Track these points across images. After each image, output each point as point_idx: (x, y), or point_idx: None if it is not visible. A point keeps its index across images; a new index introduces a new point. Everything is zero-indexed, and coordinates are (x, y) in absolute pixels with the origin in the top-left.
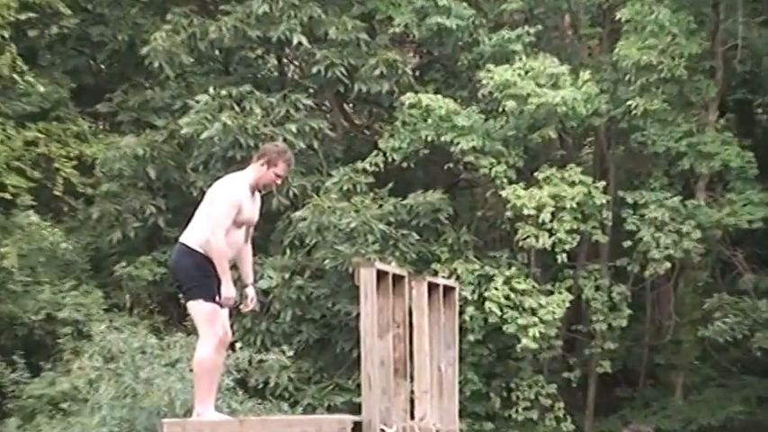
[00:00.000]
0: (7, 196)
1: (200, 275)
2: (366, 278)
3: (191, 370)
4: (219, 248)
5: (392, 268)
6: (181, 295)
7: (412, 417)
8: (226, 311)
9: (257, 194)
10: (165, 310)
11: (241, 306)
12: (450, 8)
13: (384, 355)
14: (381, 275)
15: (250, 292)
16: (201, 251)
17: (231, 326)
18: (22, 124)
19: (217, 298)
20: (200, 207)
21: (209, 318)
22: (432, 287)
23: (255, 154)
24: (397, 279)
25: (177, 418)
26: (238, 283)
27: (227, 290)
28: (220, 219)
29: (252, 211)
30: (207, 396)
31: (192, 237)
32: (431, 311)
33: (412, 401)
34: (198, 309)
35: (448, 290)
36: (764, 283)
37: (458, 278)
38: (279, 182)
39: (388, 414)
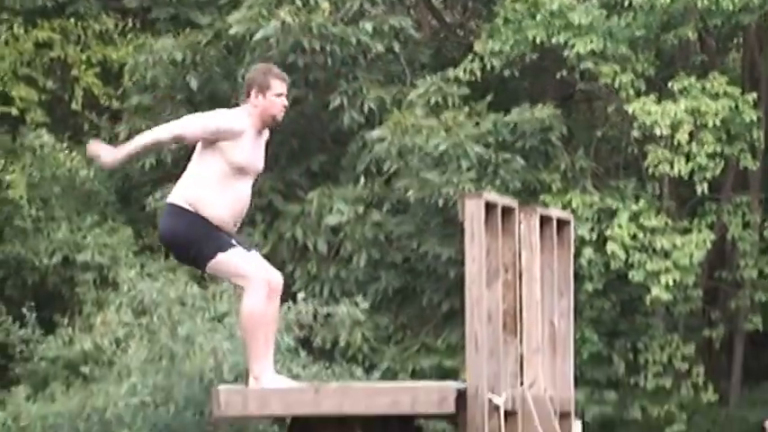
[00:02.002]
0: (14, 111)
1: (201, 232)
2: (473, 212)
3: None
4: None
5: (501, 199)
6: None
7: (521, 382)
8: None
9: (263, 136)
10: None
11: None
12: None
13: (492, 307)
14: (489, 208)
15: None
16: (192, 209)
17: (292, 271)
18: (33, 22)
19: (233, 242)
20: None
21: (241, 264)
22: (544, 221)
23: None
24: (507, 212)
25: (226, 384)
26: None
27: None
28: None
29: (255, 155)
30: (264, 354)
31: (179, 194)
32: (542, 251)
33: (521, 362)
34: (222, 264)
35: (562, 224)
36: None
37: (573, 213)
38: (285, 104)
39: (496, 380)
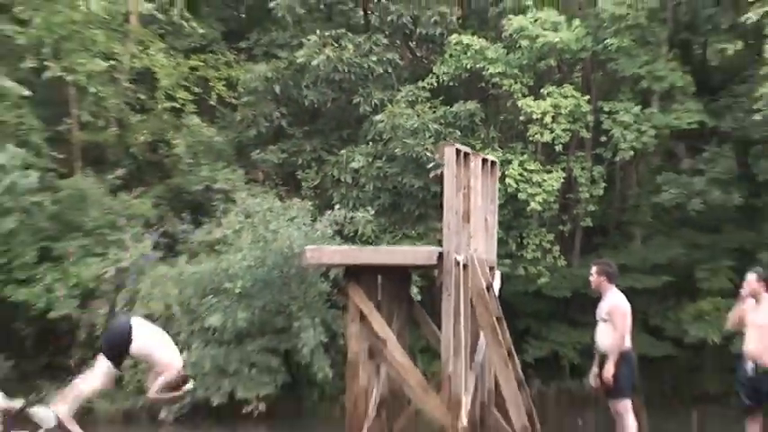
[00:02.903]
0: (178, 105)
1: None
2: (449, 154)
3: (302, 225)
4: None
5: (463, 148)
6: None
7: (471, 248)
8: None
9: None
10: (286, 183)
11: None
12: None
13: (458, 207)
14: (458, 153)
15: None
16: None
17: (332, 194)
18: (188, 56)
19: None
20: None
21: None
22: (483, 161)
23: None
24: (466, 155)
25: (293, 258)
26: None
27: None
28: None
29: None
30: None
31: None
32: (483, 177)
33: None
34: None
35: (492, 164)
36: (697, 165)
37: None
38: None
39: (458, 247)
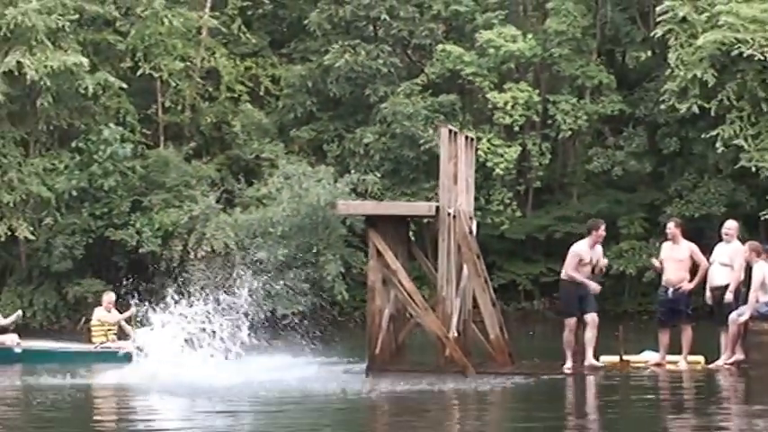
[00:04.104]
0: (236, 95)
1: None
2: (444, 133)
3: (327, 185)
4: None
5: (453, 128)
6: None
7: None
8: None
9: None
10: (315, 153)
11: None
12: (460, 2)
13: (450, 171)
14: (450, 131)
15: None
16: None
17: (348, 162)
18: (244, 59)
19: None
20: None
21: None
22: (466, 137)
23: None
24: (455, 133)
25: (320, 209)
26: None
27: None
28: None
29: None
30: None
31: None
32: (465, 149)
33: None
34: None
35: (471, 140)
36: (618, 142)
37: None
38: None
39: (450, 201)
